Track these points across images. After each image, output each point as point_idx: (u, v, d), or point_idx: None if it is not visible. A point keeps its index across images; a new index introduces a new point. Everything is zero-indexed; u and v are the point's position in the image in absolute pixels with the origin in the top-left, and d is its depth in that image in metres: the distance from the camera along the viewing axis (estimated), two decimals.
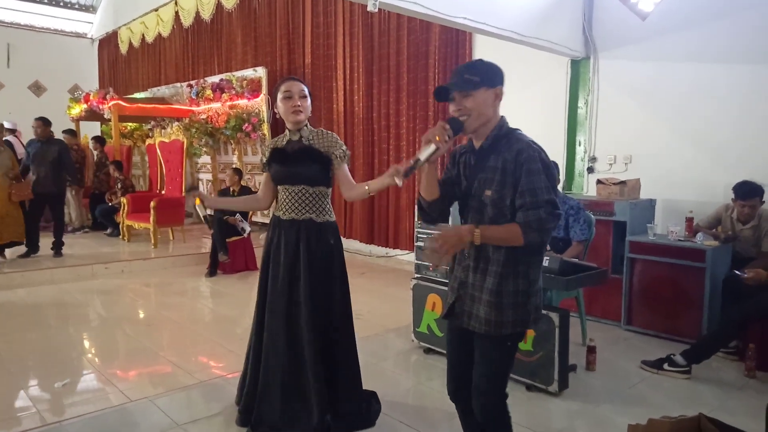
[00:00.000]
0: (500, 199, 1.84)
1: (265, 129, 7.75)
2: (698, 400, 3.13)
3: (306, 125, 2.69)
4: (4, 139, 8.57)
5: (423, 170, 1.89)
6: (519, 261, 1.86)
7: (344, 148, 2.68)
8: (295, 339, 2.66)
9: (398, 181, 1.95)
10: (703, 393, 3.27)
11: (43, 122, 6.63)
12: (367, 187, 2.58)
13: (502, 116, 1.95)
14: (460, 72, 1.89)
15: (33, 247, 6.46)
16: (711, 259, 3.91)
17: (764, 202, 3.98)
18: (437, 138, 1.78)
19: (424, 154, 1.78)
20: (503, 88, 1.93)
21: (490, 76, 1.89)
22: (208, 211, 2.82)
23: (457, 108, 1.88)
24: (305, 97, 2.62)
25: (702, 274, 3.95)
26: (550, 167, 1.86)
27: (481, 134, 1.93)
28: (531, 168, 1.79)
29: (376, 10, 3.56)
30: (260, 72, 7.85)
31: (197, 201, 2.68)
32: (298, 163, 2.62)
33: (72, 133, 8.94)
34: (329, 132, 2.71)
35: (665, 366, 3.49)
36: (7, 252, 6.32)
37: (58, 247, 6.60)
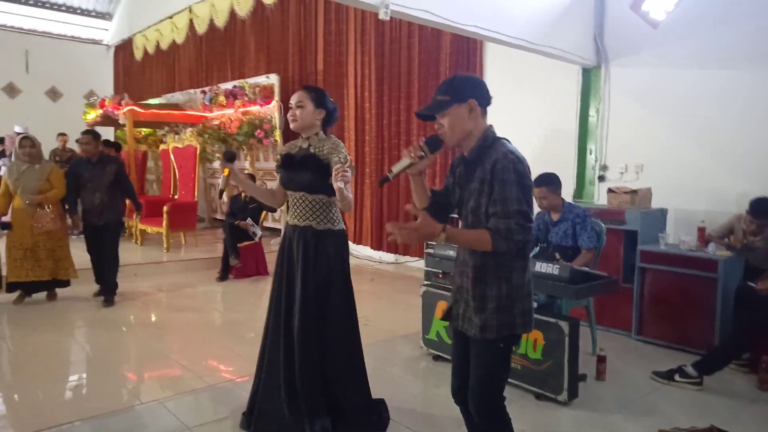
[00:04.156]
0: (477, 207, 1.91)
1: (278, 135, 7.81)
2: (709, 412, 3.10)
3: (317, 133, 2.70)
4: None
5: (411, 180, 2.06)
6: (501, 266, 1.91)
7: (343, 155, 2.62)
8: (292, 344, 2.68)
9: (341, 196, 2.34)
10: (714, 405, 3.24)
11: (94, 137, 5.20)
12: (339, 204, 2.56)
13: (489, 126, 1.99)
14: (436, 93, 1.98)
15: (102, 284, 5.32)
16: (723, 269, 3.88)
17: None
18: (411, 154, 1.94)
19: (397, 167, 1.97)
20: (477, 100, 1.94)
21: (460, 92, 1.93)
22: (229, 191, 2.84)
23: (437, 126, 1.98)
24: (301, 106, 2.63)
25: (714, 284, 3.91)
26: (525, 179, 1.86)
27: (467, 146, 1.99)
28: (504, 178, 1.83)
29: (388, 18, 3.59)
30: (273, 79, 7.92)
31: (226, 172, 2.68)
32: (299, 170, 2.65)
33: (117, 147, 8.84)
34: (334, 138, 2.70)
35: (676, 377, 3.46)
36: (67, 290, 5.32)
37: (109, 291, 5.23)
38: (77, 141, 5.58)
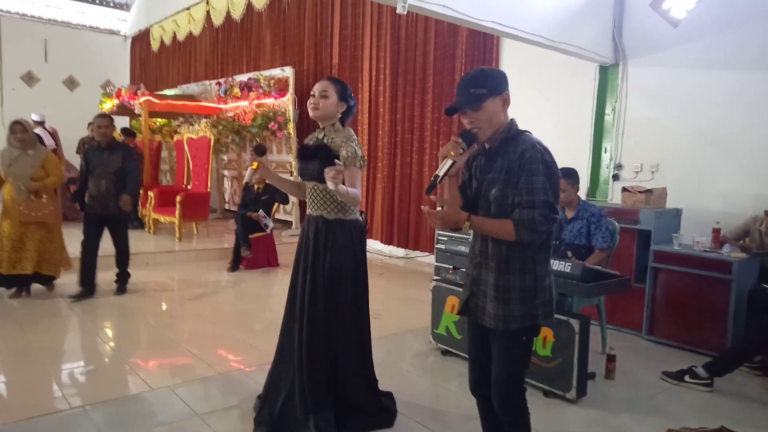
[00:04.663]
0: (503, 197, 1.90)
1: (291, 128, 7.84)
2: (719, 414, 3.07)
3: (333, 124, 2.69)
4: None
5: (444, 184, 1.97)
6: (525, 258, 1.92)
7: (352, 150, 2.60)
8: (299, 339, 2.70)
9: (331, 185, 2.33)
10: (724, 406, 3.21)
11: (111, 120, 5.12)
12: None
13: (511, 119, 1.99)
14: (466, 87, 1.93)
15: (87, 286, 4.96)
16: (737, 271, 3.84)
17: None
18: (452, 153, 1.87)
19: (442, 170, 1.88)
20: (508, 92, 1.96)
21: (495, 85, 1.93)
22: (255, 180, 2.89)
23: (469, 121, 1.94)
24: (326, 96, 2.62)
25: (728, 286, 3.87)
26: (553, 168, 1.87)
27: (491, 138, 1.98)
28: (531, 168, 1.84)
29: (405, 12, 3.58)
30: (288, 72, 7.94)
31: (254, 165, 2.66)
32: (310, 160, 2.65)
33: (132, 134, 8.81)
34: (347, 130, 2.69)
35: (686, 378, 3.43)
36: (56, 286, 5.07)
37: (123, 280, 5.22)
38: (89, 126, 5.23)
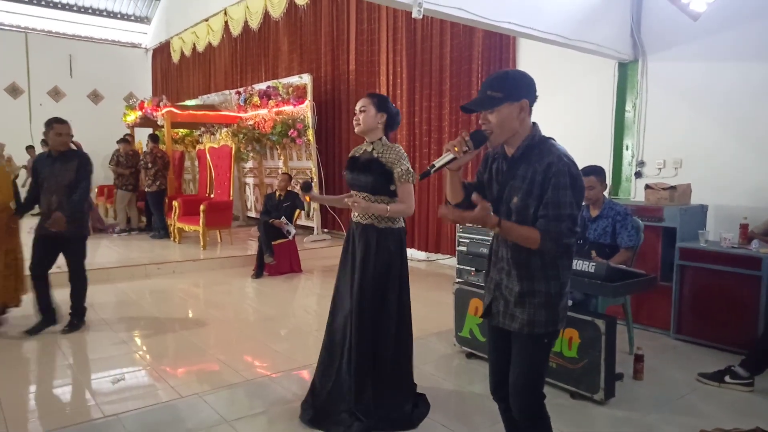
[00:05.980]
0: (524, 207, 1.89)
1: (310, 135, 7.90)
2: (752, 413, 3.01)
3: (380, 138, 2.83)
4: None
5: (446, 175, 2.00)
6: (549, 264, 1.92)
7: (405, 167, 2.75)
8: (347, 335, 2.83)
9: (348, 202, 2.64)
10: (757, 405, 3.15)
11: (70, 128, 4.28)
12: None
13: (534, 125, 1.95)
14: (486, 87, 1.90)
15: (45, 316, 4.29)
16: (767, 267, 3.76)
17: None
18: (455, 149, 1.85)
19: (439, 162, 1.88)
20: (528, 101, 1.90)
21: (514, 91, 1.88)
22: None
23: (482, 121, 1.93)
24: (364, 111, 2.79)
25: (757, 282, 3.79)
26: (578, 182, 1.86)
27: (513, 144, 1.95)
28: (559, 182, 1.82)
29: (421, 16, 3.60)
30: (306, 79, 8.01)
31: (307, 198, 2.97)
32: (362, 172, 2.80)
33: (125, 141, 9.20)
34: (396, 147, 2.82)
35: (726, 378, 3.34)
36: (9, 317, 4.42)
37: (76, 313, 4.39)
38: (44, 133, 4.28)
